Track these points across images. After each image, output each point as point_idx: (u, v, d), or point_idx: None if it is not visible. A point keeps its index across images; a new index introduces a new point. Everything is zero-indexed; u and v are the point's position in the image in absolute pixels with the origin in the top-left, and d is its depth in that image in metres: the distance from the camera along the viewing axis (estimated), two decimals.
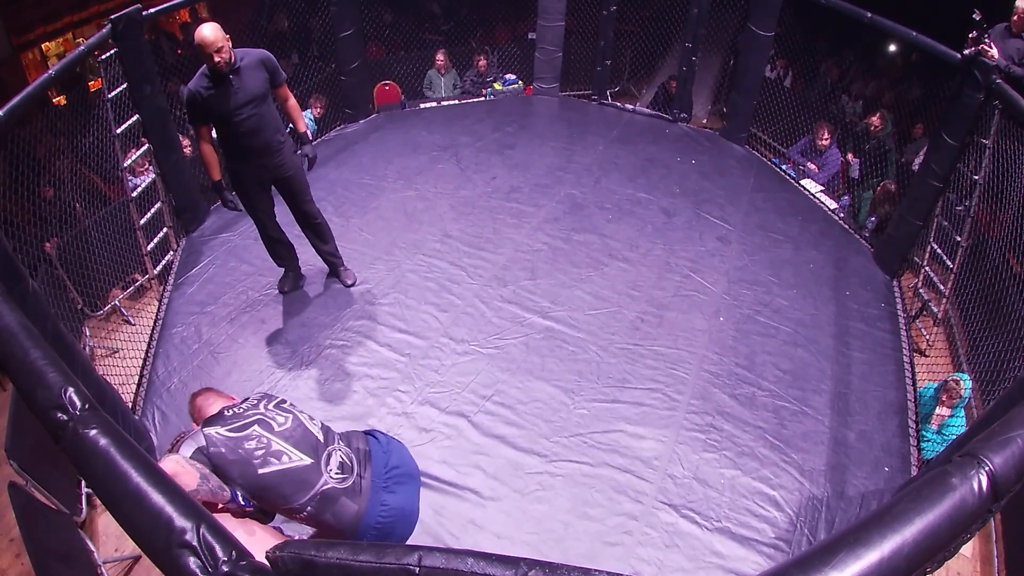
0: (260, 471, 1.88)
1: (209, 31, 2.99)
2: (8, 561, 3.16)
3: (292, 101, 3.48)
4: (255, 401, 2.08)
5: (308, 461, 1.94)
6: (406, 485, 2.13)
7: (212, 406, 2.11)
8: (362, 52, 5.98)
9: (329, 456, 1.99)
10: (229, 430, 1.92)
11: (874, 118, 5.50)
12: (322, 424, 2.11)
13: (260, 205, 3.57)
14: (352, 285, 4.13)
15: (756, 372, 3.71)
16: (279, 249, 3.85)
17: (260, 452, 1.90)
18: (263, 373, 3.55)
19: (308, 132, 3.58)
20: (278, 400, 2.12)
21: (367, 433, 2.24)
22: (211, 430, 1.91)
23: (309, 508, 1.91)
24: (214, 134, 3.37)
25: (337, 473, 1.97)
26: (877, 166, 5.35)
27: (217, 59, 3.01)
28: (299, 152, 3.55)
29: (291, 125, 3.55)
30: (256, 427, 1.95)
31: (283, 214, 3.86)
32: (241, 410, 2.02)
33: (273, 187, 3.59)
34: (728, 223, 4.95)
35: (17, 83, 6.41)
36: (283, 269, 4.02)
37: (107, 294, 4.27)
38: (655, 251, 4.58)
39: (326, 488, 1.93)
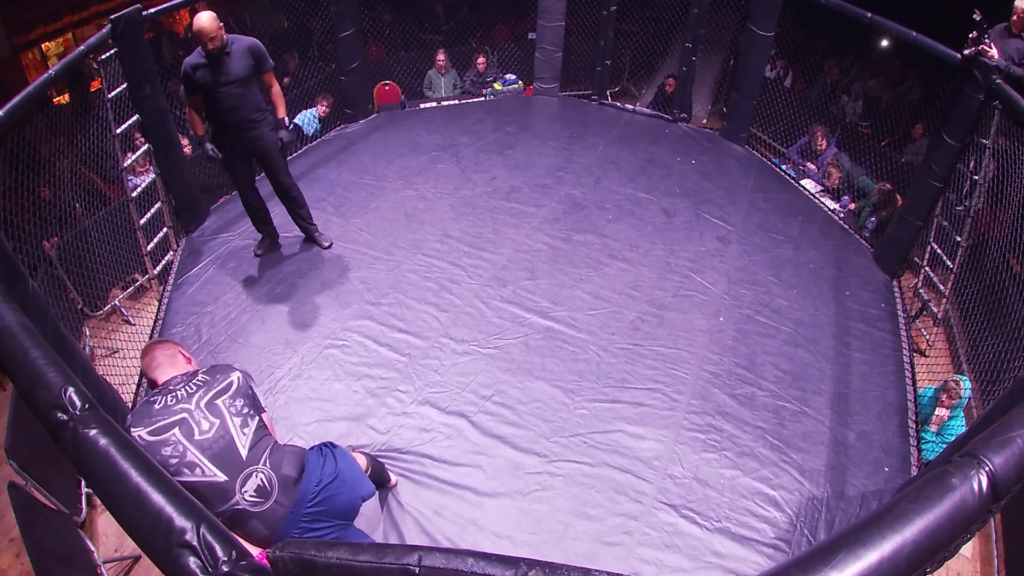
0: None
1: (206, 21, 3.39)
2: (8, 561, 3.16)
3: (276, 88, 3.82)
4: (194, 387, 1.96)
5: (222, 478, 1.85)
6: (330, 526, 2.00)
7: (160, 369, 2.04)
8: (362, 52, 5.98)
9: (248, 477, 1.88)
10: (150, 432, 1.83)
11: (832, 170, 5.38)
12: (255, 437, 1.96)
13: (239, 175, 3.97)
14: (329, 247, 4.42)
15: (756, 372, 3.71)
16: (258, 215, 4.22)
17: (174, 461, 1.82)
18: (263, 373, 3.55)
19: (285, 118, 3.92)
20: (219, 390, 1.97)
21: (323, 450, 2.11)
22: (136, 432, 1.83)
23: (220, 519, 1.80)
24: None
25: (252, 496, 1.87)
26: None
27: (211, 46, 3.44)
28: (277, 135, 3.88)
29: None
30: (176, 431, 1.85)
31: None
32: (174, 400, 1.91)
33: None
34: (728, 223, 4.95)
35: (17, 83, 6.41)
36: (260, 236, 4.36)
37: (107, 294, 4.27)
38: (655, 251, 4.58)
39: (238, 508, 1.86)
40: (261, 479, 1.90)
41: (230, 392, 1.99)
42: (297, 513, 1.92)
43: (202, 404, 1.93)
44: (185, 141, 4.73)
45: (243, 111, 3.64)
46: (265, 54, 3.67)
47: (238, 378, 2.04)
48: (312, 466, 2.03)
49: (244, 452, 1.90)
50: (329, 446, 2.19)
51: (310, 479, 1.98)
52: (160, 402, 1.91)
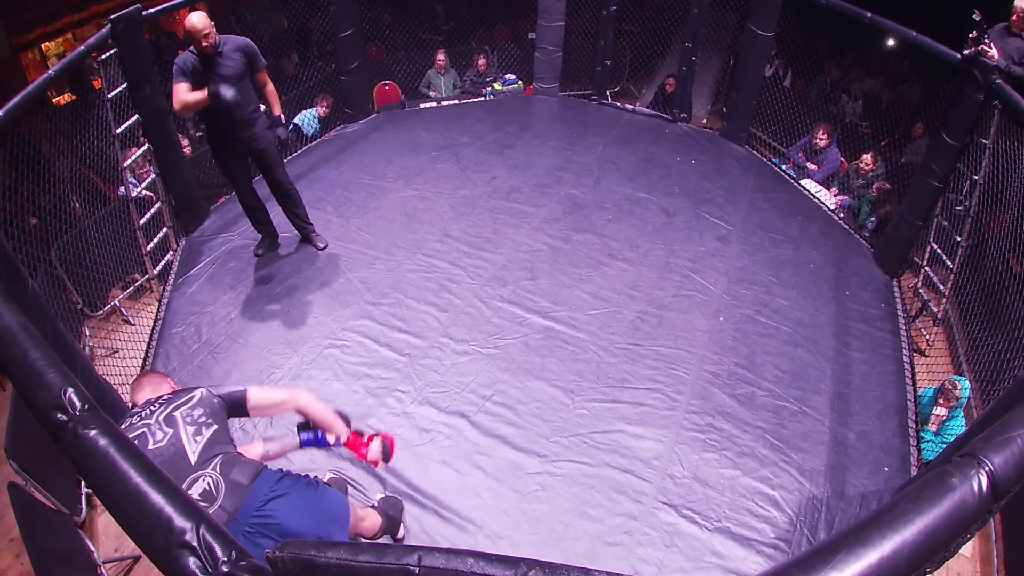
0: None
1: (198, 19, 3.41)
2: (8, 561, 3.16)
3: (270, 86, 3.85)
4: (158, 406, 2.00)
5: None
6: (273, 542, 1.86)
7: (141, 392, 2.14)
8: (362, 52, 5.98)
9: (194, 481, 1.87)
10: None
11: (866, 156, 5.29)
12: (208, 443, 1.95)
13: (236, 175, 3.98)
14: (324, 248, 4.42)
15: (756, 372, 3.71)
16: (257, 215, 4.25)
17: None
18: (263, 373, 3.55)
19: (282, 115, 3.94)
20: (179, 404, 2.00)
21: (291, 474, 2.03)
22: None
23: None
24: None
25: (196, 500, 1.83)
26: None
27: (204, 44, 3.44)
28: (274, 132, 3.90)
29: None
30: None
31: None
32: (139, 419, 1.96)
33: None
34: (728, 223, 4.95)
35: (17, 83, 6.40)
36: (260, 236, 4.38)
37: (107, 294, 4.26)
38: (655, 251, 4.58)
39: None
40: (208, 483, 1.87)
41: (190, 404, 2.02)
42: (240, 521, 1.84)
43: (160, 418, 1.97)
44: (185, 141, 4.73)
45: (238, 110, 3.65)
46: (257, 53, 3.70)
47: (201, 392, 2.07)
48: (266, 477, 1.97)
49: (193, 458, 1.90)
50: (306, 477, 2.09)
51: (260, 488, 1.92)
52: (127, 422, 1.98)
